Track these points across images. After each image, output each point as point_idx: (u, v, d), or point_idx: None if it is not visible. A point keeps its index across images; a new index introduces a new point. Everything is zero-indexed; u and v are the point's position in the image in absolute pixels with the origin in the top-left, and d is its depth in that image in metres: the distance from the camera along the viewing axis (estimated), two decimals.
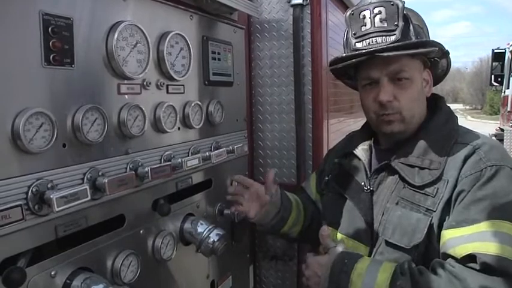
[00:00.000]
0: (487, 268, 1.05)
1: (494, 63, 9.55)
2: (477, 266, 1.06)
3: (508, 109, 8.66)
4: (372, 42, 1.28)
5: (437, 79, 1.48)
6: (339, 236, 1.43)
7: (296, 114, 2.11)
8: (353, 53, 1.32)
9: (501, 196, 1.14)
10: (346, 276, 1.20)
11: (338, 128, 2.42)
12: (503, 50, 9.42)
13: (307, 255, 1.37)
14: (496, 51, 9.57)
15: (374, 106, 1.33)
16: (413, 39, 1.27)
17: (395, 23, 1.25)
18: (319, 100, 2.13)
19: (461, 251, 1.10)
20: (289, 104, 2.16)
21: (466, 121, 29.42)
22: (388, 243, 1.27)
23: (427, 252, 1.21)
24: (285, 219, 1.60)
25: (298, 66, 2.09)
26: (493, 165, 1.18)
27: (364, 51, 1.28)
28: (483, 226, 1.10)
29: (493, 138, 8.31)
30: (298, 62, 2.09)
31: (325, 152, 2.06)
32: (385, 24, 1.26)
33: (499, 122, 10.01)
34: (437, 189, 1.22)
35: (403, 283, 1.11)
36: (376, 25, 1.28)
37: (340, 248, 1.30)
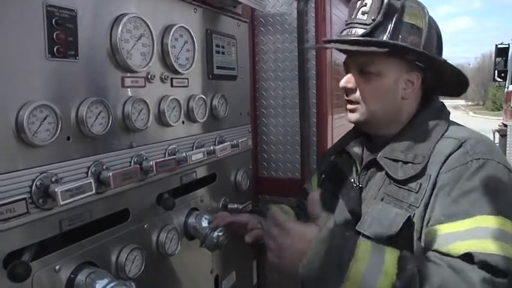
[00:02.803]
0: (485, 266, 1.01)
1: (497, 59, 9.49)
2: (475, 266, 1.02)
3: None
4: (350, 32, 1.30)
5: (456, 89, 1.41)
6: None
7: (300, 109, 2.09)
8: (328, 38, 1.38)
9: (490, 188, 1.10)
10: (349, 252, 1.04)
11: (342, 123, 2.40)
12: (507, 45, 9.35)
13: (273, 218, 1.12)
14: (499, 46, 9.50)
15: (342, 92, 1.37)
16: (384, 37, 1.25)
17: (373, 18, 1.25)
18: (324, 94, 2.11)
19: (455, 249, 1.06)
20: (293, 99, 2.15)
21: (468, 117, 29.42)
22: (364, 236, 1.24)
23: (407, 249, 1.15)
24: None
25: (303, 60, 2.07)
26: (479, 159, 1.15)
27: (328, 39, 1.35)
28: (475, 221, 1.07)
29: (496, 134, 8.28)
30: (302, 56, 2.07)
31: (329, 146, 2.05)
32: (365, 17, 1.27)
33: (501, 118, 9.95)
34: (420, 184, 1.19)
35: (411, 268, 1.02)
36: (357, 16, 1.29)
37: (332, 222, 1.17)
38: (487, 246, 1.03)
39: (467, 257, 1.04)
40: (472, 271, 1.00)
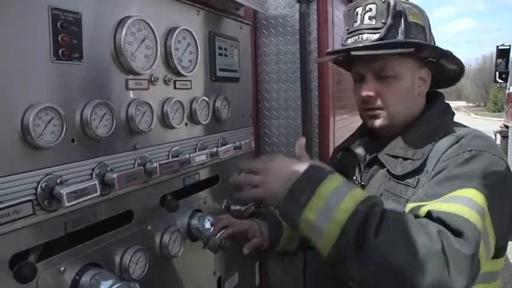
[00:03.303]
0: (441, 223, 1.03)
1: (498, 60, 9.49)
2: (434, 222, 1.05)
3: None
4: (359, 39, 1.30)
5: (450, 80, 1.45)
6: None
7: (302, 111, 2.10)
8: (338, 48, 1.36)
9: (476, 175, 1.11)
10: (324, 176, 1.08)
11: (343, 125, 2.41)
12: (508, 47, 9.35)
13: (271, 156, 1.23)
14: (500, 47, 9.50)
15: (360, 101, 1.36)
16: (400, 37, 1.26)
17: (383, 21, 1.26)
18: (326, 96, 2.12)
19: (422, 211, 1.09)
20: (295, 101, 2.16)
21: (469, 118, 29.40)
22: None
23: None
24: (273, 242, 1.56)
25: (305, 62, 2.08)
26: (471, 150, 1.16)
27: (344, 48, 1.31)
28: (448, 195, 1.09)
29: (498, 135, 8.27)
30: (304, 58, 2.08)
31: (331, 148, 2.06)
32: (373, 22, 1.27)
33: (502, 119, 9.95)
34: (418, 179, 1.21)
35: (379, 200, 1.07)
36: (364, 22, 1.29)
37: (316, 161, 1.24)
38: (446, 207, 1.05)
39: (429, 216, 1.07)
40: (431, 224, 1.02)
